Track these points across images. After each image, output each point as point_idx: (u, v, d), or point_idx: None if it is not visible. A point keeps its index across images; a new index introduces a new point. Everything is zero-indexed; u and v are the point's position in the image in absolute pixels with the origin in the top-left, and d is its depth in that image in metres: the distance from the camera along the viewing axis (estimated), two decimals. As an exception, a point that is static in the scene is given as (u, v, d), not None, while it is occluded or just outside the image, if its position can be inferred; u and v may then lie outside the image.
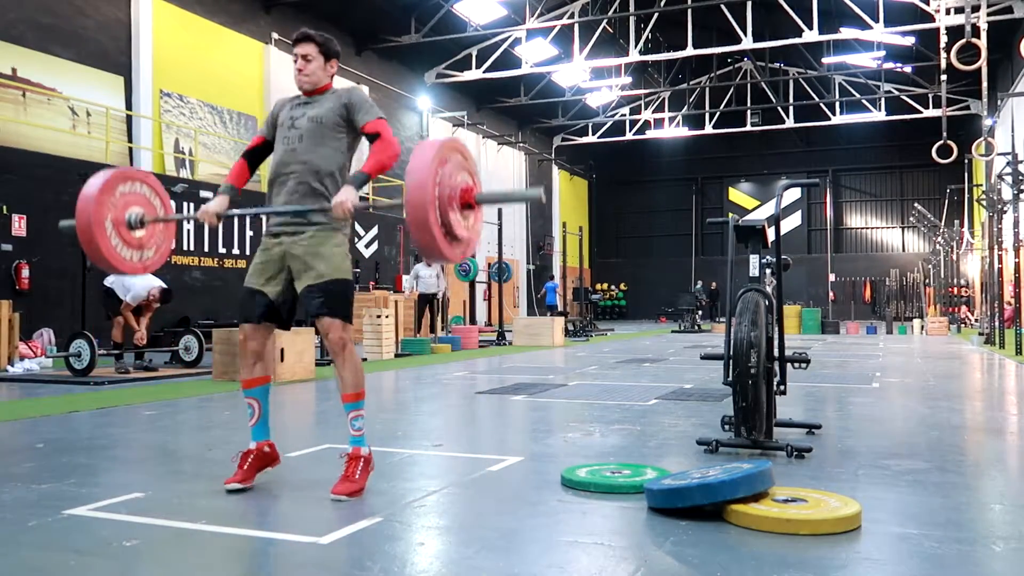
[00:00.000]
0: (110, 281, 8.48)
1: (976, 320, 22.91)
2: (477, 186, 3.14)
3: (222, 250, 14.51)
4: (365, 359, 10.70)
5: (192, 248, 13.93)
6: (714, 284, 30.10)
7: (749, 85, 28.76)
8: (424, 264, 14.36)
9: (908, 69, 25.22)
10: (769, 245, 4.39)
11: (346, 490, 3.16)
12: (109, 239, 3.37)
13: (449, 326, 17.07)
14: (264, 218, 3.60)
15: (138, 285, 8.39)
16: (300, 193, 3.32)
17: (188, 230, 13.87)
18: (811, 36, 19.01)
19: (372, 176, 3.26)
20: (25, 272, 11.11)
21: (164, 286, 8.61)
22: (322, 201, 3.29)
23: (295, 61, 3.38)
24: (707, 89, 28.93)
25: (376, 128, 3.29)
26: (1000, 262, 15.08)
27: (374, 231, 19.16)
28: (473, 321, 19.24)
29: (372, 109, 3.35)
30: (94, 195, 3.33)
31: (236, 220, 14.84)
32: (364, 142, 3.42)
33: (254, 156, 3.56)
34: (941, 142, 15.91)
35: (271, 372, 3.52)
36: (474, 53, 22.58)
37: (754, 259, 4.28)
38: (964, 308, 24.43)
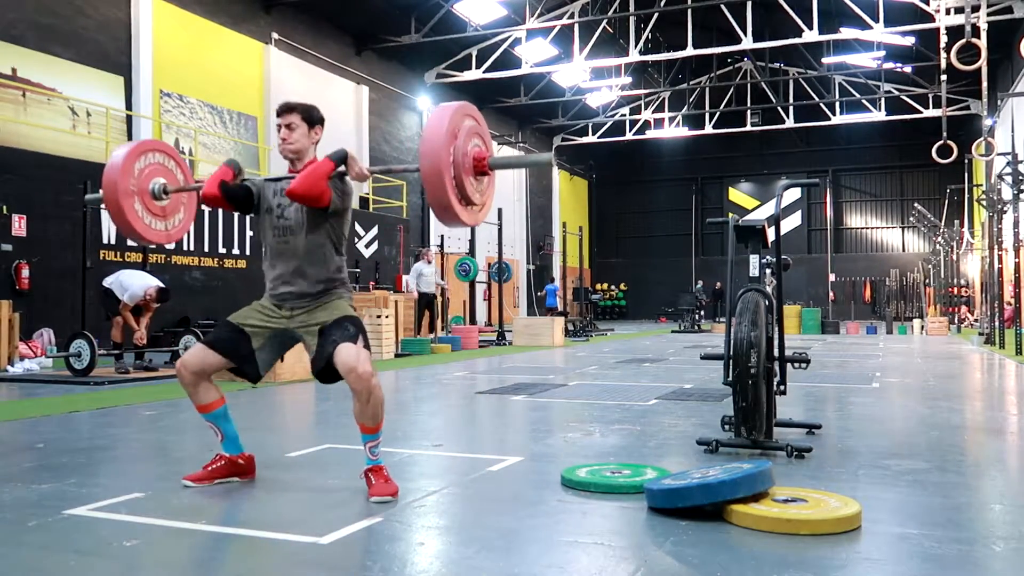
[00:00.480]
0: (108, 281, 8.47)
1: (976, 320, 22.92)
2: (490, 151, 3.21)
3: (222, 250, 14.51)
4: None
5: (192, 248, 13.93)
6: (718, 284, 30.10)
7: (749, 85, 28.76)
8: (425, 262, 14.41)
9: (908, 69, 25.22)
10: (769, 245, 4.38)
11: (387, 491, 3.12)
12: (136, 209, 3.50)
13: (449, 326, 17.08)
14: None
15: (135, 285, 8.39)
16: (309, 277, 3.30)
17: (188, 230, 13.87)
18: (811, 36, 19.01)
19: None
20: (25, 272, 11.11)
21: (161, 285, 8.59)
22: (330, 272, 3.32)
23: (279, 131, 3.34)
24: (707, 89, 28.93)
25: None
26: (1000, 262, 15.08)
27: (374, 231, 19.16)
28: (473, 321, 19.24)
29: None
30: (119, 166, 3.44)
31: (236, 220, 14.84)
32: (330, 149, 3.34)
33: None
34: (941, 142, 15.91)
35: (222, 394, 3.44)
36: (474, 53, 22.58)
37: (754, 259, 4.28)
38: (964, 308, 24.43)
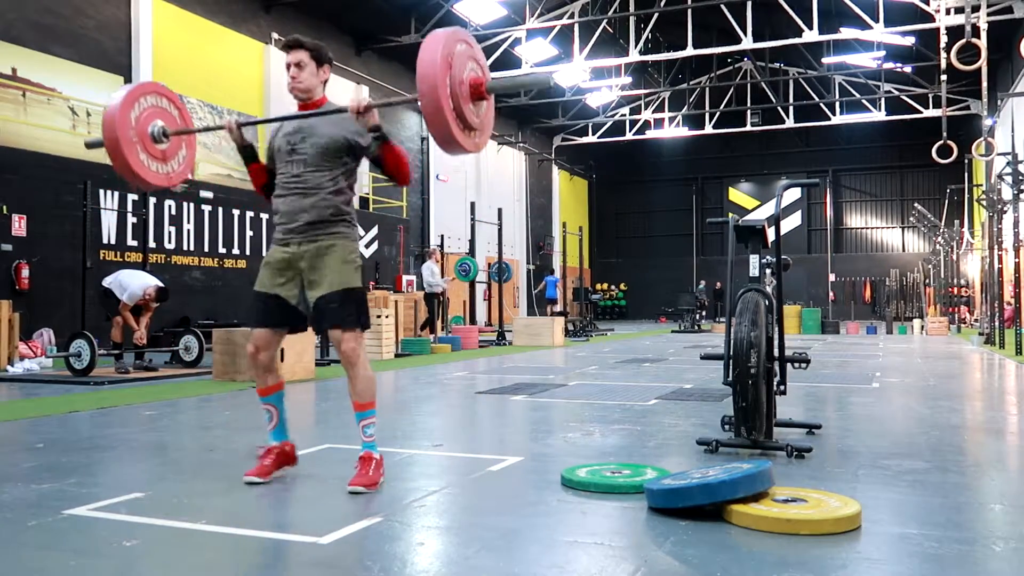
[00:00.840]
0: (108, 281, 8.47)
1: (976, 320, 22.91)
2: (486, 75, 3.18)
3: (222, 250, 14.52)
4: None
5: (192, 248, 13.93)
6: (718, 284, 30.12)
7: (749, 85, 28.76)
8: (433, 261, 14.56)
9: (908, 69, 25.22)
10: (769, 245, 4.38)
11: (363, 482, 3.22)
12: (137, 152, 3.48)
13: (449, 326, 17.08)
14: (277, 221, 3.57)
15: (134, 284, 8.39)
16: (316, 214, 3.33)
17: (188, 230, 13.88)
18: (811, 36, 19.01)
19: (389, 146, 3.32)
20: (25, 272, 11.11)
21: (160, 285, 8.59)
22: (338, 214, 3.35)
23: (287, 69, 3.37)
24: (707, 89, 28.94)
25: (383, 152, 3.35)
26: (1000, 262, 15.08)
27: (374, 231, 19.16)
28: (473, 321, 19.24)
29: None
30: (118, 109, 3.43)
31: (236, 220, 14.84)
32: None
33: (268, 188, 3.53)
34: (941, 142, 15.92)
35: (282, 377, 3.57)
36: (474, 53, 22.56)
37: (754, 259, 4.28)
38: (964, 308, 24.42)
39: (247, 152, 3.51)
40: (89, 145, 3.63)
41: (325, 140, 3.34)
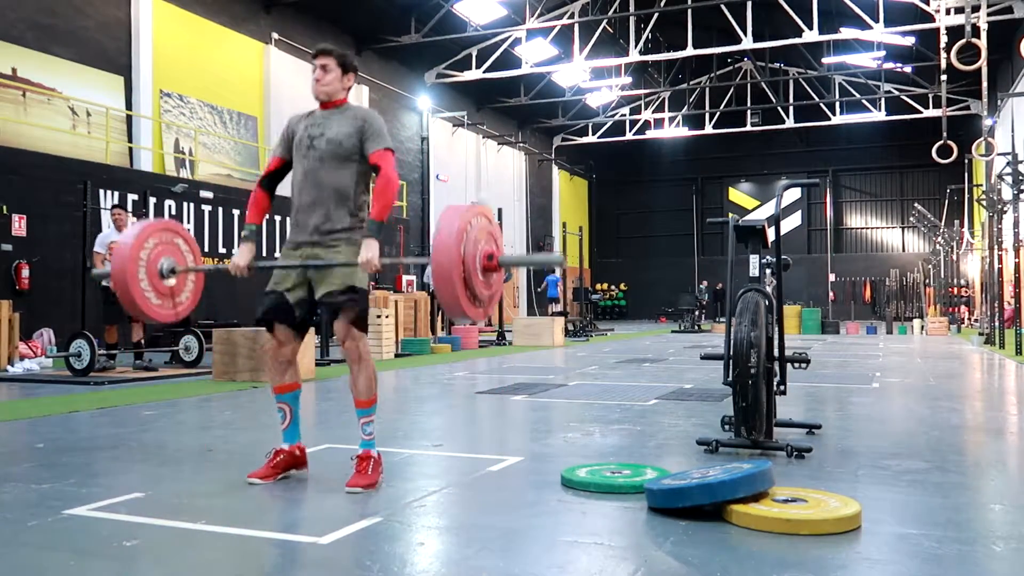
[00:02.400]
0: (107, 281, 8.48)
1: (976, 320, 22.91)
2: (500, 249, 3.31)
3: (222, 250, 14.51)
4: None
5: (192, 248, 13.93)
6: (719, 285, 30.12)
7: (749, 85, 28.75)
8: None
9: (908, 69, 25.22)
10: (769, 245, 4.38)
11: (361, 482, 3.25)
12: (144, 292, 3.57)
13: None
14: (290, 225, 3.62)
15: None
16: (327, 215, 3.39)
17: (188, 230, 13.87)
18: (811, 36, 19.01)
19: (383, 220, 3.36)
20: (25, 272, 11.11)
21: None
22: (349, 217, 3.41)
23: (313, 71, 3.49)
24: (707, 89, 28.93)
25: (378, 160, 3.38)
26: (1000, 262, 15.09)
27: (374, 231, 19.16)
28: (473, 321, 19.22)
29: (381, 138, 3.43)
30: (128, 248, 3.53)
31: (236, 220, 14.84)
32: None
33: (273, 180, 3.62)
34: (941, 142, 15.91)
35: (299, 378, 3.60)
36: (474, 53, 22.58)
37: (754, 259, 4.28)
38: (964, 308, 24.42)
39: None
40: (96, 277, 3.83)
41: (338, 138, 3.43)
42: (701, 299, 25.17)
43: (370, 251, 3.25)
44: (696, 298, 23.61)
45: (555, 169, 33.18)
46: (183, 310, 3.79)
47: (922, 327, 20.11)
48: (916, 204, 28.01)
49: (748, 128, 29.12)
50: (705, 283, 29.87)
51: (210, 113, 16.68)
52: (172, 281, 3.69)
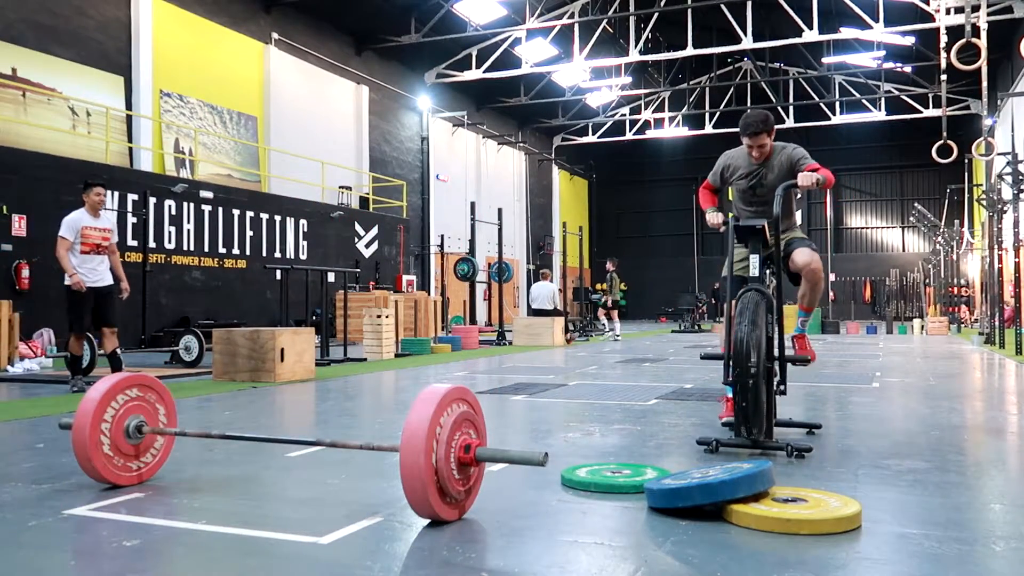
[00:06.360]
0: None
1: (976, 320, 22.91)
2: (482, 439, 2.97)
3: (222, 250, 14.51)
4: (365, 359, 10.70)
5: (192, 248, 13.93)
6: (716, 284, 30.11)
7: (749, 85, 28.78)
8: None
9: (908, 69, 25.23)
10: (769, 245, 4.38)
11: (803, 354, 4.76)
12: (102, 454, 3.29)
13: (449, 326, 17.09)
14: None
15: None
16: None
17: (188, 230, 13.88)
18: (811, 36, 19.02)
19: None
20: (25, 272, 11.11)
21: None
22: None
23: (750, 150, 4.50)
24: (707, 89, 28.94)
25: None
26: (1000, 262, 15.08)
27: (374, 231, 19.17)
28: (473, 321, 19.24)
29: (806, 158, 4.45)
30: (93, 406, 3.30)
31: (236, 219, 14.84)
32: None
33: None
34: (941, 142, 15.90)
35: None
36: (474, 53, 22.59)
37: (754, 259, 4.28)
38: (964, 308, 24.42)
39: None
40: (63, 426, 3.44)
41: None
42: (701, 299, 25.16)
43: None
44: (696, 298, 23.61)
45: (555, 169, 33.19)
46: (148, 471, 3.45)
47: (922, 327, 20.11)
48: (916, 204, 28.02)
49: (748, 128, 29.08)
50: (716, 285, 29.86)
51: (210, 113, 16.69)
52: (139, 440, 3.41)
